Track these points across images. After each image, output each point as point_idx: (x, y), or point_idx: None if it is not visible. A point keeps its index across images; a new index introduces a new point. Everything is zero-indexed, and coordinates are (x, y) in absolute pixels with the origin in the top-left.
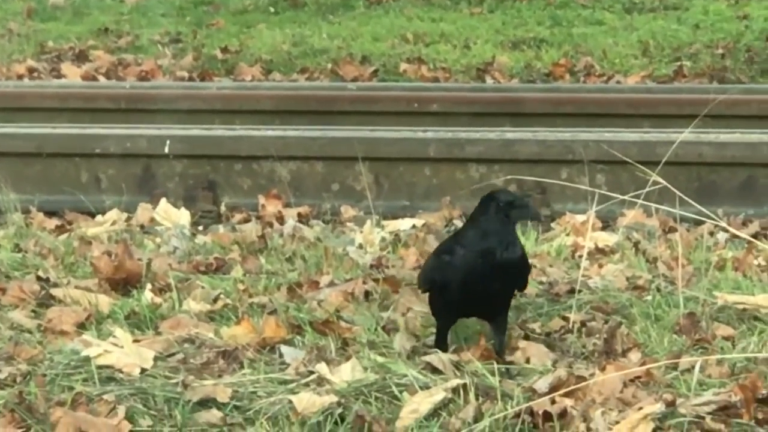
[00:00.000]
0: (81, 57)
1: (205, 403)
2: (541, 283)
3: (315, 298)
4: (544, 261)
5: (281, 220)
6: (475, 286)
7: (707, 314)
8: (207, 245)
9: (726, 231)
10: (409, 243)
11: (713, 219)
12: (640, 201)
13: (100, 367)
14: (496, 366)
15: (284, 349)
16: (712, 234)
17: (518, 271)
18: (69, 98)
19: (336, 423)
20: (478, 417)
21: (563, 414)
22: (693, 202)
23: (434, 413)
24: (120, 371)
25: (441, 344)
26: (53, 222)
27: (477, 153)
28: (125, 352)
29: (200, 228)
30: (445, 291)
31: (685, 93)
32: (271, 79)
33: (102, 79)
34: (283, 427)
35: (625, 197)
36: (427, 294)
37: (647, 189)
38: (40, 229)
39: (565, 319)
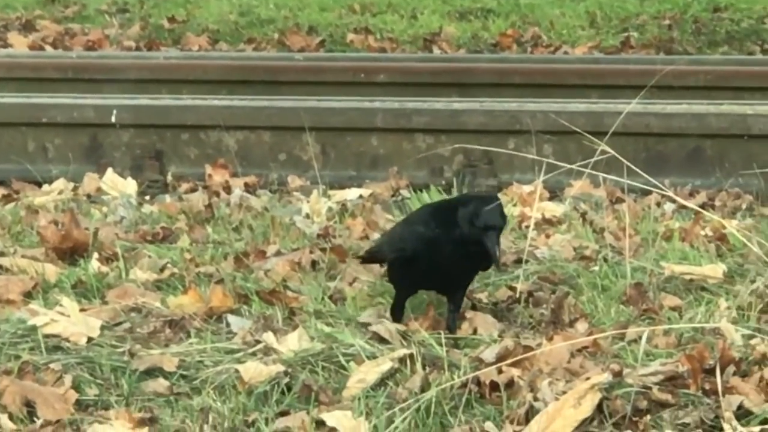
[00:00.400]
0: (28, 27)
1: (152, 372)
2: None
3: (262, 267)
4: None
5: (228, 189)
6: (443, 262)
7: (654, 285)
8: (154, 215)
9: (673, 201)
10: (356, 213)
11: (661, 189)
12: (587, 171)
13: (46, 336)
14: (443, 336)
15: (231, 318)
16: (659, 204)
17: (484, 256)
18: (16, 68)
19: (283, 392)
20: (424, 387)
21: (510, 384)
22: (641, 172)
23: (381, 383)
24: (67, 340)
25: (397, 313)
26: (0, 191)
27: (424, 123)
28: (72, 321)
29: (147, 197)
30: (412, 262)
31: (632, 64)
32: (218, 49)
33: (49, 49)
34: (230, 396)
35: (573, 166)
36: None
37: (595, 158)
38: None
39: (512, 289)
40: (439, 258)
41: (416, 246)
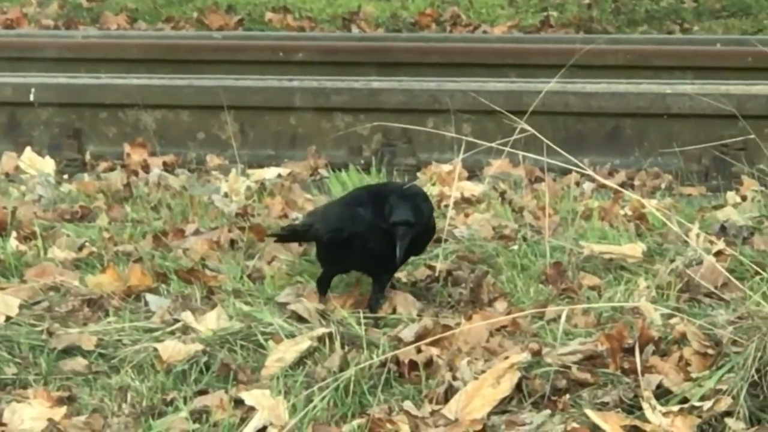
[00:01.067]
0: None
1: (70, 351)
2: None
3: (180, 246)
4: None
5: (146, 168)
6: (377, 245)
7: (574, 264)
8: (72, 193)
9: (592, 181)
10: (274, 192)
11: (581, 168)
12: (507, 149)
13: None
14: (362, 315)
15: (149, 297)
16: (578, 184)
17: (422, 238)
18: None
19: (201, 371)
20: (343, 366)
21: (429, 363)
22: (562, 151)
23: (299, 362)
24: None
25: (323, 288)
26: None
27: (343, 102)
28: None
29: (65, 176)
30: (346, 243)
31: (551, 43)
32: (136, 28)
33: None
34: (149, 375)
35: (492, 144)
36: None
37: (514, 137)
38: None
39: (432, 268)
40: (374, 241)
41: (354, 228)
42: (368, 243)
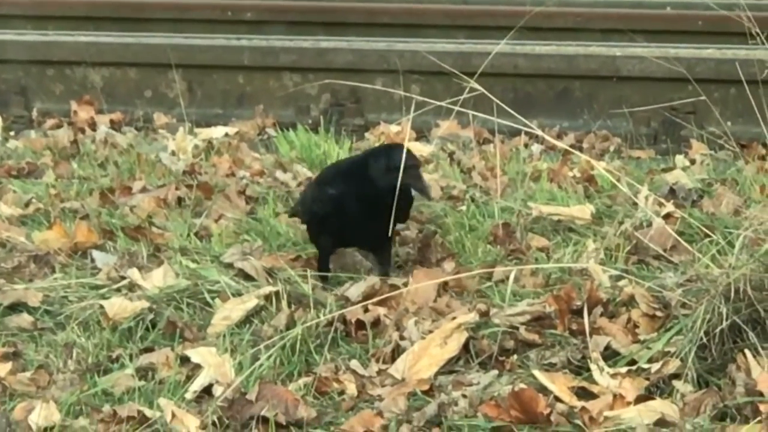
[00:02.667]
0: None
1: (16, 307)
2: None
3: (127, 203)
4: None
5: (94, 126)
6: (357, 219)
7: (522, 225)
8: (19, 150)
9: (541, 143)
10: (222, 150)
11: (531, 129)
12: (456, 108)
13: None
14: (309, 273)
15: (96, 254)
16: (527, 146)
17: (399, 207)
18: None
19: (147, 329)
20: (290, 324)
21: (376, 322)
22: (513, 112)
23: (246, 320)
24: None
25: (324, 268)
26: None
27: (291, 62)
28: None
29: (12, 133)
30: (325, 222)
31: (501, 5)
32: None
33: None
34: (94, 332)
35: (442, 103)
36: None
37: (464, 96)
38: None
39: None
40: (352, 216)
41: (327, 207)
42: (346, 219)
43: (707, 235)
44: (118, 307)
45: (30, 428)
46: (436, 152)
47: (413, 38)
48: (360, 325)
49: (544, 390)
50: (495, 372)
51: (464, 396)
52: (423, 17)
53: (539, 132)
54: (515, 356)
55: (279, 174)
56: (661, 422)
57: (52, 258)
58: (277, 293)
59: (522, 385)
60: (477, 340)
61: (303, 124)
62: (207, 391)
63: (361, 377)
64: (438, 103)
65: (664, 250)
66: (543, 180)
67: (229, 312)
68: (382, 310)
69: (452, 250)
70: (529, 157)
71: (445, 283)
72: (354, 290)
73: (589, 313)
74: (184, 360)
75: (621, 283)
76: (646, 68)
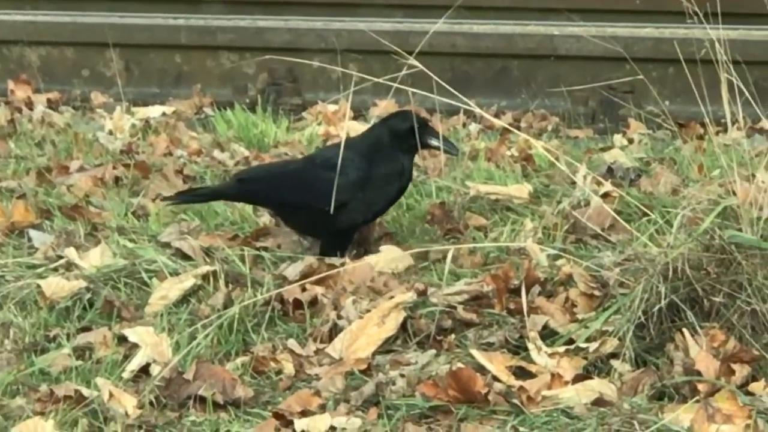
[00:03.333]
0: None
1: None
2: None
3: (64, 183)
4: (295, 149)
5: (30, 105)
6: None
7: (460, 204)
8: None
9: (479, 122)
10: (159, 130)
11: (469, 107)
12: (395, 84)
13: None
14: (246, 253)
15: (33, 233)
16: (465, 125)
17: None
18: None
19: (85, 308)
20: (227, 304)
21: (314, 302)
22: (452, 89)
23: (183, 299)
24: None
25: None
26: None
27: (228, 41)
28: None
29: None
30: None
31: None
32: None
33: None
34: (32, 311)
35: (379, 80)
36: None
37: (402, 74)
38: None
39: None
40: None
41: (386, 205)
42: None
43: (645, 215)
44: (56, 286)
45: None
46: None
47: (351, 17)
48: (297, 304)
49: (482, 369)
50: (433, 351)
51: (402, 375)
52: None
53: (477, 111)
54: (453, 336)
55: (217, 153)
56: (599, 401)
57: None
58: (214, 272)
59: (460, 365)
60: (415, 320)
61: (240, 103)
62: (144, 370)
63: (298, 357)
64: (376, 80)
65: (602, 230)
66: (481, 159)
67: (166, 291)
68: (319, 290)
69: (390, 229)
70: (467, 136)
71: None
72: (292, 269)
73: (527, 293)
74: (122, 339)
75: (559, 262)
76: (584, 47)
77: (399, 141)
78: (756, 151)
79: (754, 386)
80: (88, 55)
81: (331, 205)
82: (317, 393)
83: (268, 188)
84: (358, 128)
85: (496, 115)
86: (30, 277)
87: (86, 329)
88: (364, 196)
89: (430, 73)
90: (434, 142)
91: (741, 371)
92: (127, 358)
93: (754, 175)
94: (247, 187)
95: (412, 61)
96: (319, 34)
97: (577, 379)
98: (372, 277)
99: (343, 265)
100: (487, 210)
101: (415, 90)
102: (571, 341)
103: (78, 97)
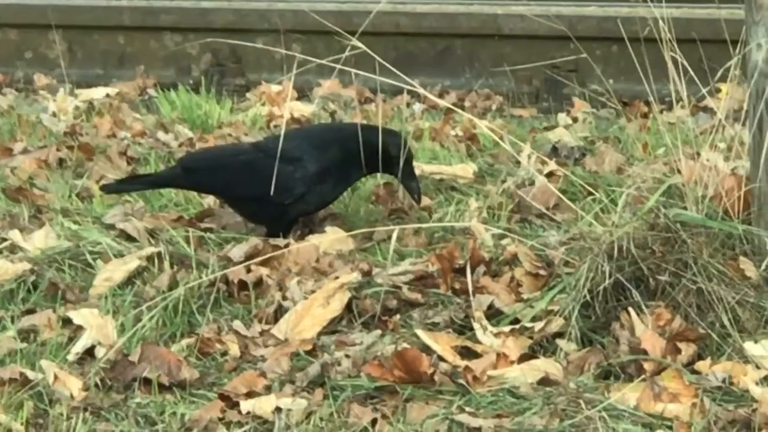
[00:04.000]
0: None
1: None
2: None
3: (8, 165)
4: (239, 130)
5: None
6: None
7: None
8: None
9: (423, 101)
10: (103, 111)
11: (412, 87)
12: (338, 66)
13: None
14: (191, 234)
15: None
16: (408, 105)
17: None
18: None
19: (29, 290)
20: (172, 285)
21: (259, 283)
22: (396, 69)
23: (128, 281)
24: None
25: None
26: None
27: (172, 22)
28: None
29: None
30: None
31: None
32: None
33: None
34: None
35: (323, 61)
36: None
37: (345, 55)
38: None
39: None
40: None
41: (338, 196)
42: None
43: (590, 194)
44: (0, 268)
45: None
46: (317, 111)
47: None
48: (242, 285)
49: (427, 350)
50: (378, 332)
51: (347, 356)
52: None
53: (421, 91)
54: (398, 316)
55: (161, 135)
56: (545, 381)
57: None
58: (159, 254)
59: (405, 345)
60: (360, 300)
61: (184, 84)
62: (89, 352)
63: (243, 338)
64: (319, 62)
65: (547, 209)
66: (425, 139)
67: (111, 273)
68: (264, 271)
69: (334, 209)
70: (411, 116)
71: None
72: (236, 251)
73: (472, 272)
74: (66, 322)
75: (504, 241)
76: (528, 26)
77: (371, 156)
78: (701, 130)
79: (700, 365)
80: (31, 36)
81: (288, 199)
82: (263, 374)
83: (217, 179)
84: (303, 108)
85: (440, 95)
86: None
87: (31, 311)
88: (321, 188)
89: (373, 54)
90: (411, 183)
91: (687, 350)
92: (72, 340)
93: (698, 154)
94: (195, 177)
95: (355, 42)
96: (263, 14)
97: (523, 358)
98: (317, 257)
99: (288, 246)
100: (431, 190)
101: (358, 71)
102: (516, 321)
103: (21, 79)
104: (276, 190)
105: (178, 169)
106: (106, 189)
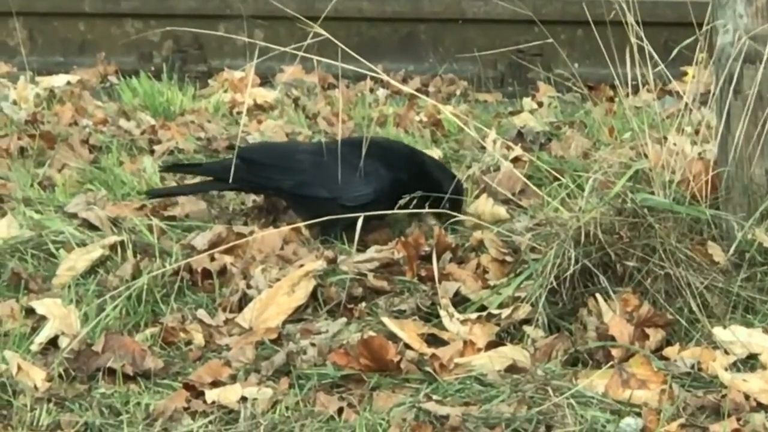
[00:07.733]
0: None
1: None
2: (199, 138)
3: None
4: (202, 117)
5: None
6: None
7: None
8: None
9: (387, 87)
10: (64, 99)
11: (376, 73)
12: (300, 53)
13: None
14: (154, 222)
15: None
16: (372, 90)
17: None
18: None
19: None
20: (136, 274)
21: (223, 271)
22: (357, 56)
23: (91, 270)
24: None
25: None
26: None
27: (132, 8)
28: None
29: None
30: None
31: None
32: None
33: None
34: None
35: (286, 49)
36: None
37: (308, 41)
38: None
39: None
40: None
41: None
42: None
43: (556, 179)
44: None
45: None
46: (280, 98)
47: None
48: (206, 274)
49: (393, 337)
50: (344, 320)
51: (313, 344)
52: None
53: (384, 76)
54: (364, 304)
55: (122, 122)
56: (512, 368)
57: None
58: (122, 243)
59: (371, 333)
60: (325, 288)
61: (146, 71)
62: (53, 342)
63: (208, 327)
64: (282, 49)
65: (513, 194)
66: (389, 125)
67: (73, 262)
68: (228, 259)
69: None
70: (374, 102)
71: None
72: (200, 239)
73: (438, 259)
74: (29, 312)
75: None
76: (492, 10)
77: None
78: (667, 113)
79: (668, 351)
80: None
81: (353, 203)
82: (227, 363)
83: (284, 175)
84: (265, 95)
85: (404, 80)
86: None
87: None
88: (382, 202)
89: (335, 41)
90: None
91: (655, 336)
92: (35, 330)
93: (665, 138)
94: (257, 170)
95: (317, 29)
96: (225, 0)
97: (490, 345)
98: (281, 245)
99: (251, 233)
100: None
101: (320, 58)
102: (483, 308)
103: None
104: (346, 193)
105: (237, 161)
106: (152, 194)
